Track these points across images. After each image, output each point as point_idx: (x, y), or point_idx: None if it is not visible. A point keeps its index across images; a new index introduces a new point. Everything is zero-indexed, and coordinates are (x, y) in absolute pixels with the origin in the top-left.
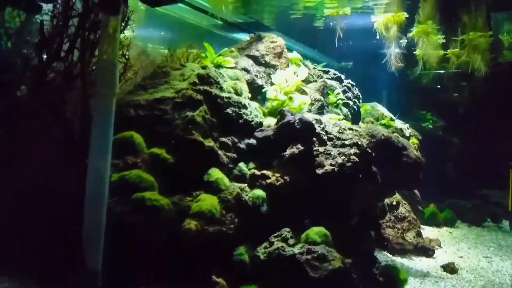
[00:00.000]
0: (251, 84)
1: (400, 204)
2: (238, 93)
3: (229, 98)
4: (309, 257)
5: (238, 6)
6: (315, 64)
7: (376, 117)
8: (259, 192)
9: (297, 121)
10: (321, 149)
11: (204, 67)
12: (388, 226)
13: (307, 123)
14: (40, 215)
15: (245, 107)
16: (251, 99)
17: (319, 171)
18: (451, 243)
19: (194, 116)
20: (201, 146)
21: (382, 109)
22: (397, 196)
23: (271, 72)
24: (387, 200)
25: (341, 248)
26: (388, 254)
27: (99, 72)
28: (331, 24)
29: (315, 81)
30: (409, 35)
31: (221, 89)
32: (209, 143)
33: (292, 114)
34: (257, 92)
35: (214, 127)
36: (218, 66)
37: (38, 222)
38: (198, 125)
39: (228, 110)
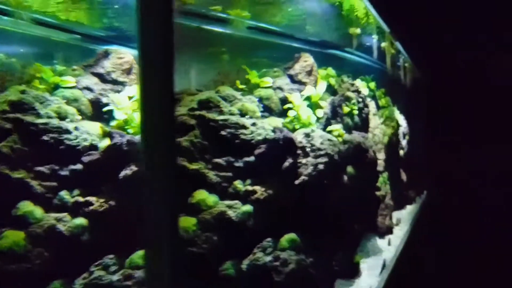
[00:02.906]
0: (95, 104)
1: None
2: (61, 117)
3: (46, 124)
4: (129, 283)
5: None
6: None
7: None
8: (79, 221)
9: (124, 143)
10: None
11: (23, 92)
12: None
13: (135, 144)
14: None
15: (67, 131)
16: (95, 119)
17: None
18: None
19: None
20: (8, 178)
21: None
22: None
23: (120, 90)
24: None
25: None
26: None
27: None
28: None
29: None
30: None
31: (37, 115)
32: (19, 174)
33: (121, 136)
34: (102, 112)
35: (26, 157)
36: (56, 86)
37: None
38: (4, 157)
39: (45, 137)
